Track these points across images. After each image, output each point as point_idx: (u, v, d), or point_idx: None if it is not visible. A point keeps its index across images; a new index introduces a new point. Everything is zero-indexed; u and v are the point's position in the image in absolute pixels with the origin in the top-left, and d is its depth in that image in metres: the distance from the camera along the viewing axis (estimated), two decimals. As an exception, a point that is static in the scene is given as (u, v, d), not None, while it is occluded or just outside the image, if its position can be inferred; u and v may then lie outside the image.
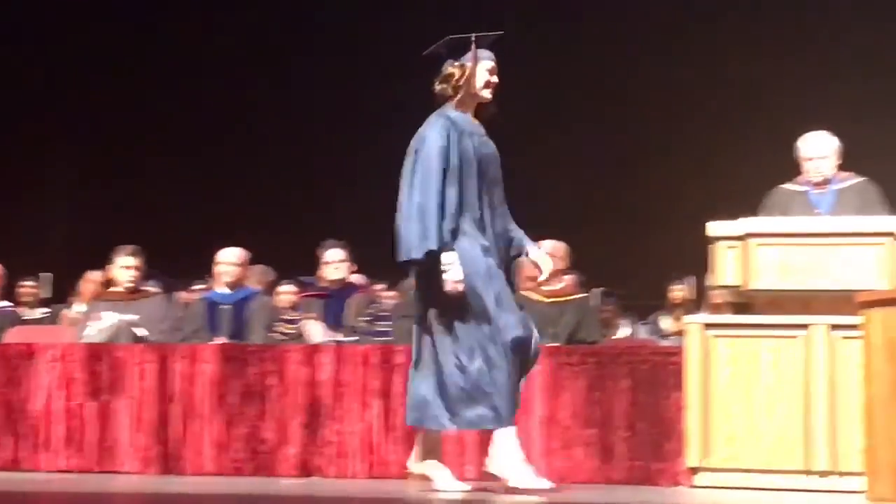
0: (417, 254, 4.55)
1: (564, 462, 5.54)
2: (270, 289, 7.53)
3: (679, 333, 6.37)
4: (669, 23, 9.72)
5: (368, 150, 9.24)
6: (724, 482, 5.13)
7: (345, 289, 7.08)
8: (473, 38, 4.83)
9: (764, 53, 9.12)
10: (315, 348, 6.00)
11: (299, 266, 7.73)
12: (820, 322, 5.16)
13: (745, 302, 5.49)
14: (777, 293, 5.29)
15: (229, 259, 6.91)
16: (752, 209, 5.86)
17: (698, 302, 7.37)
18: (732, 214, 5.45)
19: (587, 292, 7.15)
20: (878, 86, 8.65)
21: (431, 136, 4.67)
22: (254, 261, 7.32)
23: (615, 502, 4.73)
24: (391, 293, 7.43)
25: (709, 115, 9.32)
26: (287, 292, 7.48)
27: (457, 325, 4.56)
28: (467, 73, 4.80)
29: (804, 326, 5.18)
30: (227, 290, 6.86)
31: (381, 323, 6.75)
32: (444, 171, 4.64)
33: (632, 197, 9.71)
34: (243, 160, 10.65)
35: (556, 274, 6.38)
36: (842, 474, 5.03)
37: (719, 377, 5.19)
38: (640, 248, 9.21)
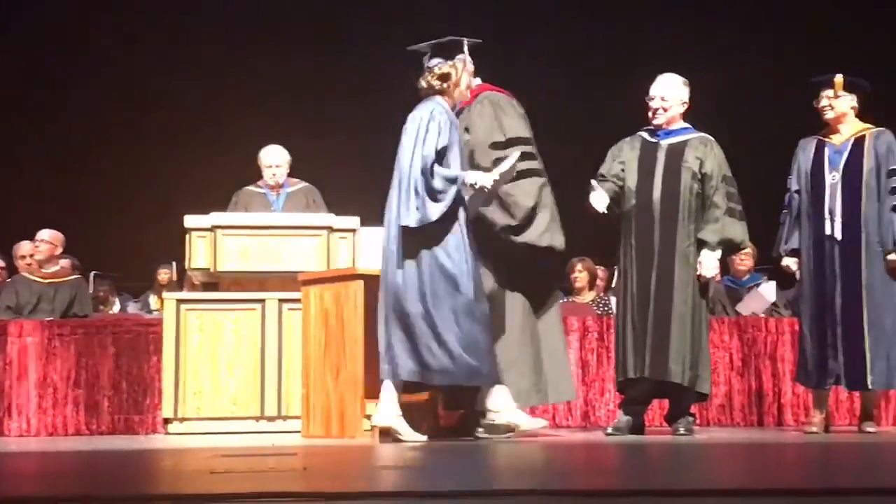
0: None
1: (56, 418, 6.03)
2: None
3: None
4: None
5: None
6: (194, 429, 5.79)
7: None
8: (466, 42, 5.05)
9: (229, 74, 9.74)
10: None
11: None
12: (272, 297, 5.96)
13: (214, 281, 6.16)
14: (239, 274, 6.06)
15: None
16: (222, 205, 6.59)
17: (180, 282, 7.92)
18: (205, 209, 6.12)
19: (82, 274, 7.46)
20: (328, 108, 9.61)
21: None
22: None
23: (99, 449, 5.03)
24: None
25: (190, 126, 9.68)
26: None
27: None
28: (459, 73, 5.04)
29: (260, 301, 5.96)
30: None
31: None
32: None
33: (125, 190, 9.82)
34: None
35: (52, 258, 6.99)
36: (286, 418, 5.84)
37: (190, 343, 5.87)
38: (134, 236, 9.35)
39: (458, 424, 5.12)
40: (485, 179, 4.88)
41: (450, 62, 5.06)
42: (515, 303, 5.21)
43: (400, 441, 4.75)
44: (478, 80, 5.25)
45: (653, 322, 5.34)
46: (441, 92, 5.05)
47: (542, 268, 5.27)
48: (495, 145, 5.09)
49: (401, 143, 4.98)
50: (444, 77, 5.03)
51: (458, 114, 5.16)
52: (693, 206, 5.42)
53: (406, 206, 4.83)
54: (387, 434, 4.82)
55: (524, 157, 5.05)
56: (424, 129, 4.88)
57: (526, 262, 5.17)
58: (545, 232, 5.13)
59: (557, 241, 5.17)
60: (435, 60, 5.08)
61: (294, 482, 2.79)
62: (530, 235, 5.10)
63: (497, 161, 5.00)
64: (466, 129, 5.16)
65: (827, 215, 5.68)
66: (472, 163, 5.09)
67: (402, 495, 2.47)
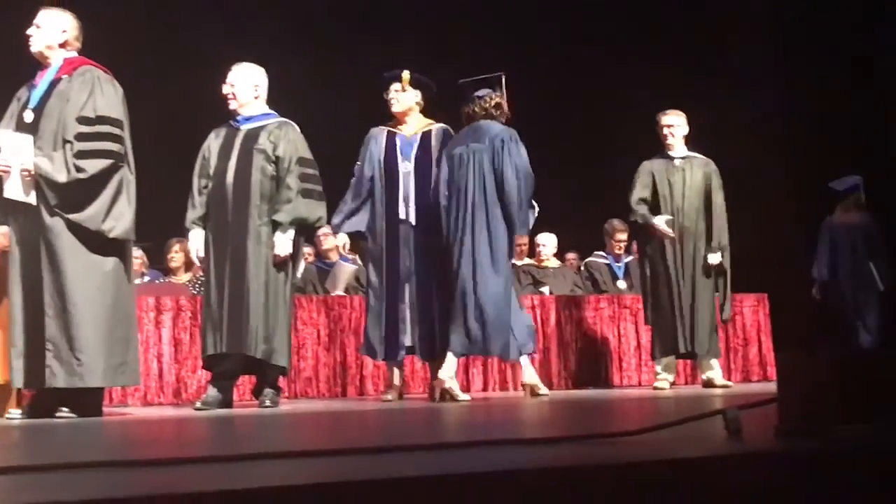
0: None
1: None
2: None
3: None
4: None
5: None
6: None
7: None
8: (503, 77, 5.80)
9: None
10: None
11: None
12: None
13: None
14: None
15: None
16: None
17: None
18: None
19: None
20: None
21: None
22: None
23: None
24: None
25: None
26: None
27: None
28: (505, 102, 5.80)
29: None
30: None
31: None
32: None
33: None
34: None
35: None
36: None
37: None
38: None
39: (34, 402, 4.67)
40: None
41: (497, 93, 5.80)
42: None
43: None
44: (74, 54, 4.83)
45: (228, 299, 5.22)
46: (491, 117, 5.77)
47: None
48: (83, 120, 4.63)
49: (487, 163, 5.66)
50: (499, 106, 5.79)
51: (55, 83, 4.71)
52: (266, 187, 5.34)
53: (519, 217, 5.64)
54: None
55: (107, 138, 4.64)
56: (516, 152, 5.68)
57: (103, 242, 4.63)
58: (107, 218, 4.60)
59: (120, 228, 4.63)
60: (484, 92, 5.80)
61: None
62: (86, 217, 4.56)
63: (80, 136, 4.58)
64: (68, 101, 4.67)
65: (401, 202, 5.88)
66: (60, 134, 4.66)
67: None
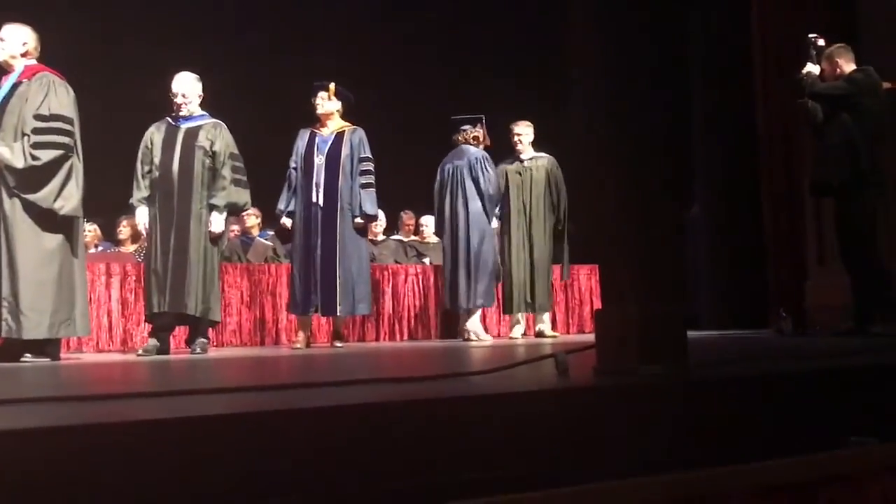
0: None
1: None
2: None
3: None
4: None
5: None
6: None
7: None
8: (483, 118, 6.55)
9: None
10: None
11: None
12: None
13: None
14: None
15: None
16: None
17: None
18: None
19: None
20: None
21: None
22: None
23: None
24: None
25: None
26: None
27: None
28: (483, 134, 6.54)
29: None
30: None
31: None
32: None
33: None
34: None
35: None
36: None
37: None
38: None
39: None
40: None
41: (476, 128, 6.53)
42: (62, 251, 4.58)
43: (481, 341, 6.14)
44: (33, 62, 4.71)
45: (172, 268, 5.16)
46: (470, 143, 6.50)
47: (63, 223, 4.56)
48: (39, 117, 4.51)
49: (466, 174, 6.44)
50: (476, 138, 6.51)
51: (17, 85, 4.56)
52: (205, 177, 5.29)
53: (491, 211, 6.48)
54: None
55: (59, 132, 4.51)
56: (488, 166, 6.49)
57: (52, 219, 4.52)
58: (58, 198, 4.49)
59: (69, 207, 4.50)
60: (466, 126, 6.51)
61: None
62: (40, 197, 4.45)
63: (36, 130, 4.46)
64: (26, 100, 4.53)
65: (314, 188, 5.95)
66: (19, 128, 4.53)
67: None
